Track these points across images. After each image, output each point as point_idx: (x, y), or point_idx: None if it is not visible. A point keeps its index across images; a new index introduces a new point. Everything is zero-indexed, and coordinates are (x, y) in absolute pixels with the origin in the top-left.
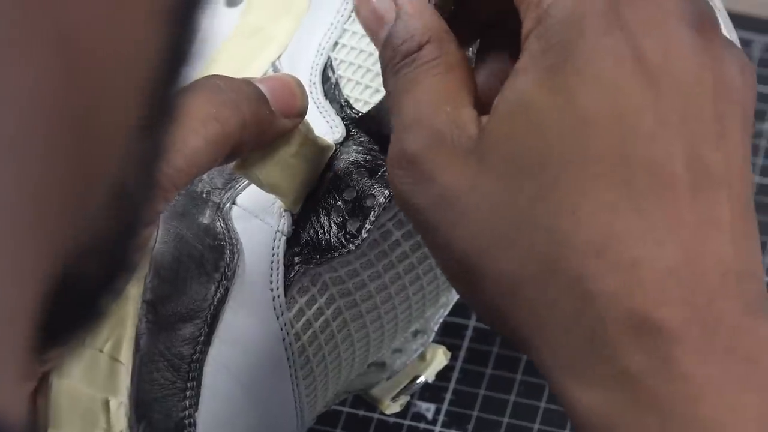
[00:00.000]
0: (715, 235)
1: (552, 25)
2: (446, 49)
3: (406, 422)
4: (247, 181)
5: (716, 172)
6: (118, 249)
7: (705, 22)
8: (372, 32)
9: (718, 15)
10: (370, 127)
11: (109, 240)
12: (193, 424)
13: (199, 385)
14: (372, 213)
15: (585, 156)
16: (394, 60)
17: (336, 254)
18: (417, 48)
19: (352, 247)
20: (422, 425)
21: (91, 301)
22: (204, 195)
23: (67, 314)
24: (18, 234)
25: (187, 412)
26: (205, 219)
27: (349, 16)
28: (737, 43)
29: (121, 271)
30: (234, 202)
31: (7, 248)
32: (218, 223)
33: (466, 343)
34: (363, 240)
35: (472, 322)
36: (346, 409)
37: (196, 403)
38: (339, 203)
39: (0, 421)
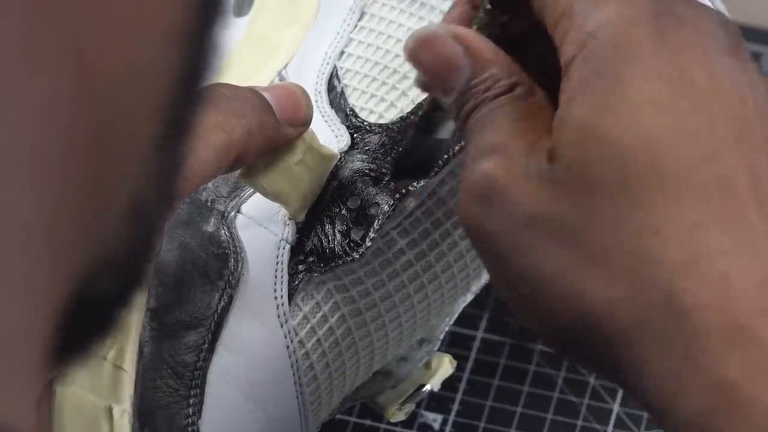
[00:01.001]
0: None
1: (598, 48)
2: (525, 87)
3: None
4: (252, 190)
5: None
6: (133, 263)
7: (738, 45)
8: (441, 78)
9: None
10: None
11: (126, 254)
12: None
13: (202, 393)
14: (376, 221)
15: (660, 177)
16: (475, 103)
17: (340, 262)
18: (506, 92)
19: (356, 255)
20: None
21: (106, 314)
22: (209, 203)
23: (82, 328)
24: (34, 251)
25: (190, 420)
26: (210, 227)
27: (356, 26)
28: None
29: (136, 284)
30: (239, 211)
31: (23, 266)
32: (222, 231)
33: (473, 354)
34: (367, 248)
35: (480, 333)
36: (353, 419)
37: (200, 411)
38: (343, 212)
39: None
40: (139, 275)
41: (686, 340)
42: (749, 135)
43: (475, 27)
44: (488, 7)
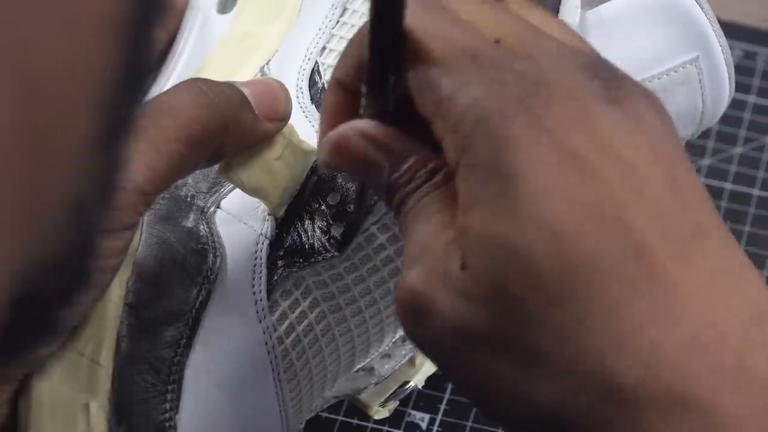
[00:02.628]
0: (722, 287)
1: (480, 151)
2: (439, 177)
3: None
4: (232, 186)
5: (686, 226)
6: (76, 263)
7: (616, 85)
8: (366, 178)
9: None
10: None
11: (67, 254)
12: (173, 427)
13: (179, 388)
14: (356, 217)
15: (569, 268)
16: (398, 197)
17: (320, 258)
18: (418, 185)
19: (335, 251)
20: None
21: (49, 315)
22: (188, 199)
23: (25, 329)
24: None
25: (167, 415)
26: (189, 223)
27: (337, 21)
28: None
29: (80, 285)
30: (218, 206)
31: None
32: (202, 226)
33: None
34: (347, 246)
35: None
36: (340, 418)
37: (177, 406)
38: (323, 207)
39: None
40: (83, 275)
41: (628, 420)
42: (652, 184)
43: (362, 113)
44: (365, 93)
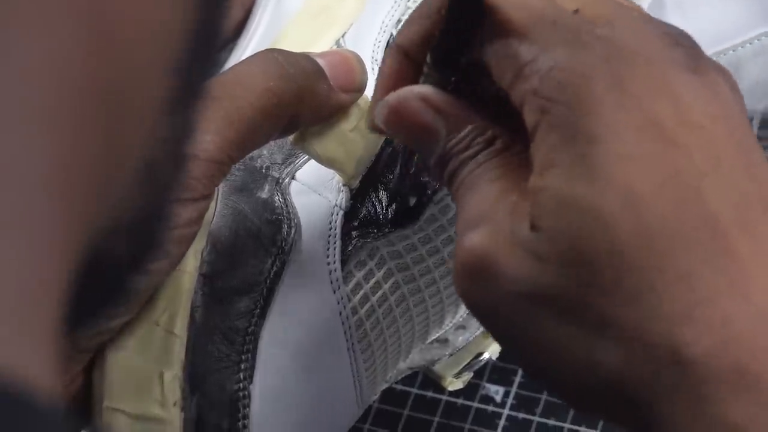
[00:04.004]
0: None
1: (561, 112)
2: (498, 146)
3: (475, 404)
4: (306, 157)
5: (757, 201)
6: (147, 228)
7: (697, 57)
8: (421, 144)
9: None
10: None
11: (138, 218)
12: (247, 396)
13: (254, 358)
14: (430, 188)
15: (646, 235)
16: (452, 166)
17: (393, 229)
18: (475, 154)
19: (409, 222)
20: (490, 408)
21: (119, 279)
22: (264, 170)
23: (95, 292)
24: (47, 206)
25: (241, 385)
26: (264, 194)
27: None
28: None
29: (152, 251)
30: (293, 177)
31: (36, 224)
32: (277, 197)
33: None
34: (420, 216)
35: None
36: (414, 390)
37: (251, 376)
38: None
39: (33, 398)
40: (153, 240)
41: (694, 391)
42: (725, 154)
43: (422, 81)
44: (429, 63)
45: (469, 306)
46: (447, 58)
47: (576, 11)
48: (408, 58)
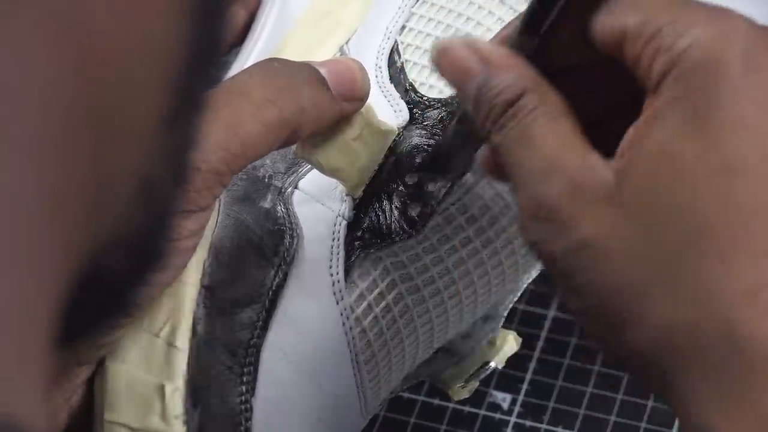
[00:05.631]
0: None
1: (689, 69)
2: (547, 96)
3: (482, 412)
4: (309, 166)
5: None
6: (147, 241)
7: None
8: (458, 85)
9: None
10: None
11: (138, 232)
12: (250, 410)
13: (256, 371)
14: (434, 198)
15: (733, 204)
16: (494, 113)
17: (397, 239)
18: (516, 98)
19: (413, 232)
20: (498, 415)
21: (120, 291)
22: (266, 180)
23: (96, 304)
24: (33, 231)
25: (243, 398)
26: (266, 203)
27: (417, 0)
28: None
29: (152, 262)
30: (296, 187)
31: (22, 247)
32: (279, 207)
33: (544, 333)
34: (424, 226)
35: (551, 312)
36: (421, 398)
37: (253, 389)
38: (401, 188)
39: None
40: (155, 253)
41: (738, 371)
42: None
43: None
44: (520, 29)
45: (537, 255)
46: (533, 24)
47: None
48: None
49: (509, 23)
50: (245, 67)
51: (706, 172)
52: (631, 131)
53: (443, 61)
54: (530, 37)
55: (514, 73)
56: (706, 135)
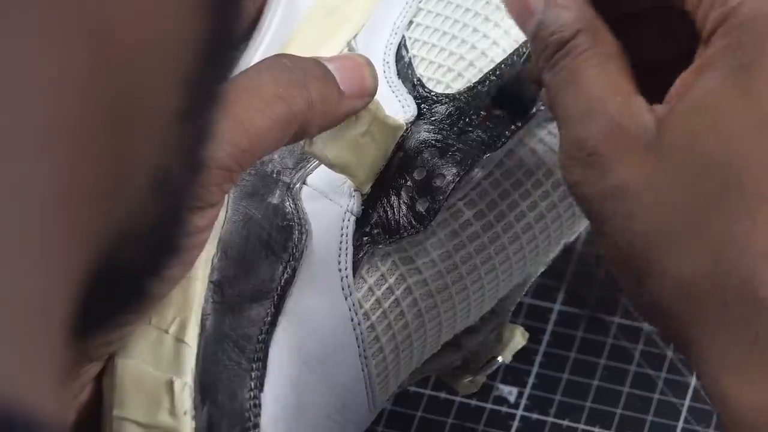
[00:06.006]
0: None
1: (742, 23)
2: (601, 38)
3: (488, 405)
4: (318, 162)
5: None
6: (162, 234)
7: None
8: (520, 23)
9: None
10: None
11: (153, 225)
12: (258, 405)
13: (264, 366)
14: (441, 193)
15: (767, 162)
16: (547, 52)
17: (405, 234)
18: (569, 38)
19: (421, 227)
20: (504, 408)
21: (135, 284)
22: (274, 175)
23: (111, 298)
24: (48, 225)
25: (252, 393)
26: (275, 199)
27: None
28: None
29: (167, 255)
30: (305, 182)
31: (38, 240)
32: (288, 203)
33: (550, 327)
34: (431, 221)
35: (557, 306)
36: (427, 392)
37: (262, 384)
38: (409, 183)
39: (34, 418)
40: (170, 246)
41: (759, 331)
42: None
43: None
44: None
45: (573, 194)
46: None
47: None
48: None
49: None
50: (252, 62)
51: (745, 127)
52: (679, 80)
53: None
54: None
55: (571, 13)
56: (749, 90)
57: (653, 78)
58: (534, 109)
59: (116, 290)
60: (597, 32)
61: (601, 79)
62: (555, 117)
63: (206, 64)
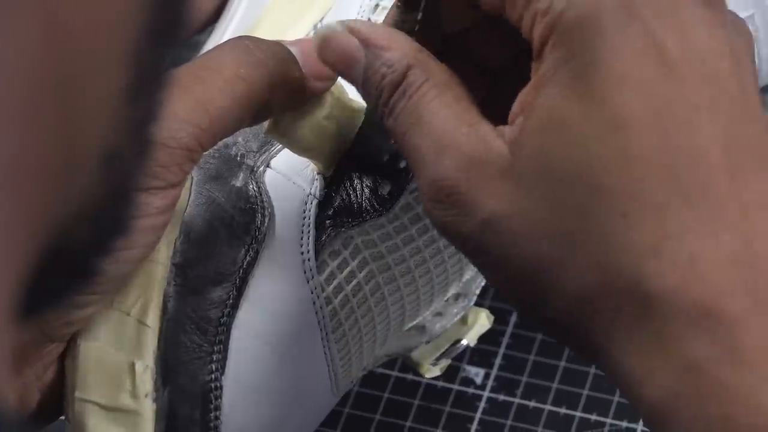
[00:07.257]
0: (765, 215)
1: (567, 30)
2: (432, 69)
3: (455, 387)
4: (281, 145)
5: (748, 148)
6: (111, 213)
7: None
8: (344, 73)
9: None
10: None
11: (102, 205)
12: (219, 388)
13: (226, 349)
14: (405, 176)
15: (626, 159)
16: (384, 97)
17: (368, 217)
18: (401, 77)
19: (383, 210)
20: (471, 390)
21: (84, 264)
22: (238, 158)
23: (60, 277)
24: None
25: (213, 376)
26: (239, 182)
27: None
28: None
29: (117, 236)
30: (268, 165)
31: None
32: (251, 186)
33: None
34: (394, 204)
35: None
36: (394, 373)
37: (223, 367)
38: (372, 166)
39: None
40: (119, 225)
41: (655, 325)
42: (725, 93)
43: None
44: (398, 5)
45: (444, 235)
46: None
47: None
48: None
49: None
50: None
51: (597, 132)
52: (520, 98)
53: (326, 51)
54: (411, 11)
55: (396, 52)
56: (591, 95)
57: (492, 88)
58: None
59: (65, 270)
60: (427, 65)
61: (443, 112)
62: (408, 161)
63: (153, 45)
